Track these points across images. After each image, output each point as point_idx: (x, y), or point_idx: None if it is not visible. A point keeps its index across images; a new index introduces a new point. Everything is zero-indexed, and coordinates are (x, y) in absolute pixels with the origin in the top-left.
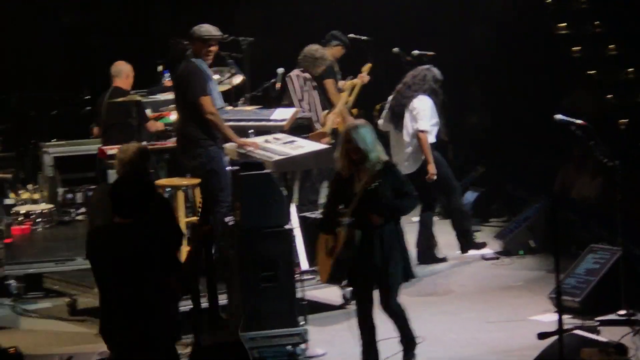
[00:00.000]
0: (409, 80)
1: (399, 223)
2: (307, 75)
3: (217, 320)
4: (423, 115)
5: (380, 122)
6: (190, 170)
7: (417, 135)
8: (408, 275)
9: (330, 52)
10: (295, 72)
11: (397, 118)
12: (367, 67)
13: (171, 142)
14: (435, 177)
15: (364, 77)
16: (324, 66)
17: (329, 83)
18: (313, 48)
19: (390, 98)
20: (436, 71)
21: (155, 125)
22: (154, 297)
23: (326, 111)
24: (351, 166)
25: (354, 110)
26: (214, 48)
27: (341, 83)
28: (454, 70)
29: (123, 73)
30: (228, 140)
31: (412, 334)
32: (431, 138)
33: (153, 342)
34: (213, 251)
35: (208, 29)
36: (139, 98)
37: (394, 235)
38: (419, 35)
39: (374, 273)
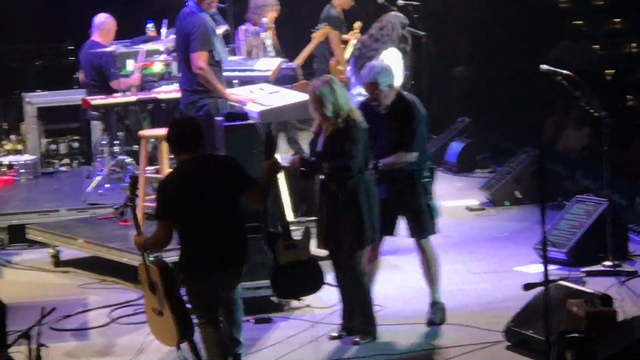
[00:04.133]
0: (375, 32)
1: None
2: (255, 27)
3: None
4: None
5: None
6: None
7: None
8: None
9: (338, 2)
10: (243, 27)
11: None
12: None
13: (155, 93)
14: None
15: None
16: (271, 10)
17: (332, 34)
18: None
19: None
20: (402, 17)
21: (125, 83)
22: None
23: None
24: (321, 121)
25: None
26: None
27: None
28: (440, 21)
29: (105, 27)
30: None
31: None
32: None
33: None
34: None
35: None
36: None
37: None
38: None
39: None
